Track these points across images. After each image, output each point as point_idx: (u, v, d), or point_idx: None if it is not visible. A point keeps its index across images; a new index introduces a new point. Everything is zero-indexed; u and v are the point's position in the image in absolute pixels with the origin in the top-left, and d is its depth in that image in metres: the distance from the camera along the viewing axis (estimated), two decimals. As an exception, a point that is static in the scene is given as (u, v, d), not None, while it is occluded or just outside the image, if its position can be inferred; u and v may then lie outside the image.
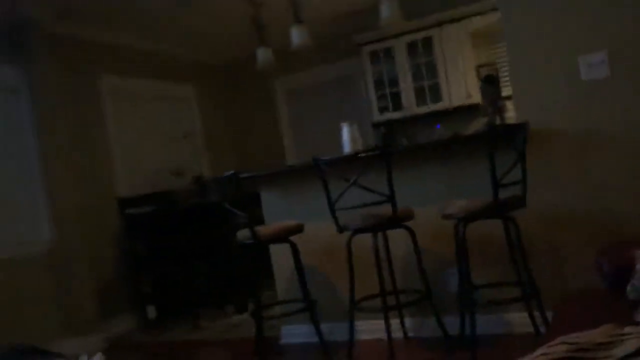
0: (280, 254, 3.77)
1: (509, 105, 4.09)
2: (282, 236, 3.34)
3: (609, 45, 2.90)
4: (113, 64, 5.57)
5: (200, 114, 6.76)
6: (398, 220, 2.99)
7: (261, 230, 3.29)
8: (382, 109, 6.06)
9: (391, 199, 2.91)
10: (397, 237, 3.27)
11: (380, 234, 3.12)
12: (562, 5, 2.99)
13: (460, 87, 5.64)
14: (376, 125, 6.07)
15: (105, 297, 4.92)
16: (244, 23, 4.39)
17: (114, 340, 4.75)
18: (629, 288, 1.81)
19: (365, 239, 3.11)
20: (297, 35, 3.95)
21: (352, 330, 3.17)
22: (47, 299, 4.49)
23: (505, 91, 5.00)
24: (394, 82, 6.00)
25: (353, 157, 3.11)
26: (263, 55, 4.20)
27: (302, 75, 6.80)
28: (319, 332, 3.33)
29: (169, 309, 5.16)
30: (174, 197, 5.54)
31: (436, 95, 5.79)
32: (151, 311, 5.11)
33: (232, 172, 3.37)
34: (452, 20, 5.63)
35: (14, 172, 4.50)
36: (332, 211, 3.07)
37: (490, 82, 4.21)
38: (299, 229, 3.39)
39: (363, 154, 2.99)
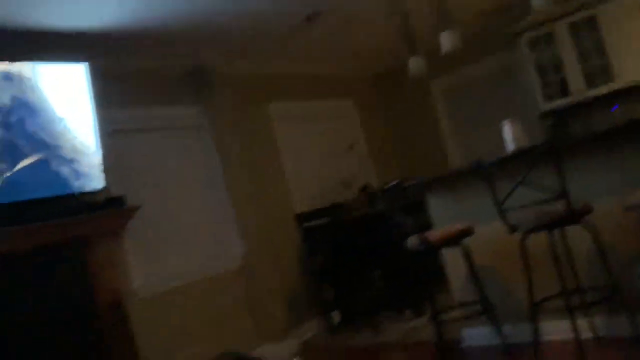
0: (452, 258, 3.80)
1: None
2: (452, 240, 3.37)
3: None
4: (279, 91, 6.06)
5: (361, 126, 7.03)
6: (575, 216, 2.86)
7: (431, 235, 3.36)
8: (548, 97, 5.76)
9: (564, 195, 2.80)
10: (575, 234, 3.12)
11: (557, 232, 3.01)
12: None
13: (636, 64, 5.14)
14: (544, 116, 5.78)
15: (293, 305, 5.36)
16: (395, 33, 4.54)
17: (304, 345, 5.13)
18: None
19: (540, 237, 3.02)
20: (446, 40, 3.96)
21: (536, 332, 3.09)
22: (242, 309, 5.02)
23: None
24: (557, 67, 5.67)
25: (517, 156, 3.05)
26: (414, 64, 4.27)
27: (457, 74, 6.70)
28: (501, 335, 3.30)
29: (351, 314, 5.43)
30: (345, 208, 5.84)
31: (608, 76, 5.34)
32: (335, 316, 5.45)
33: (396, 181, 3.50)
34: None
35: (207, 199, 5.12)
36: (500, 212, 3.04)
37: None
38: (469, 232, 3.40)
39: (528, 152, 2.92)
